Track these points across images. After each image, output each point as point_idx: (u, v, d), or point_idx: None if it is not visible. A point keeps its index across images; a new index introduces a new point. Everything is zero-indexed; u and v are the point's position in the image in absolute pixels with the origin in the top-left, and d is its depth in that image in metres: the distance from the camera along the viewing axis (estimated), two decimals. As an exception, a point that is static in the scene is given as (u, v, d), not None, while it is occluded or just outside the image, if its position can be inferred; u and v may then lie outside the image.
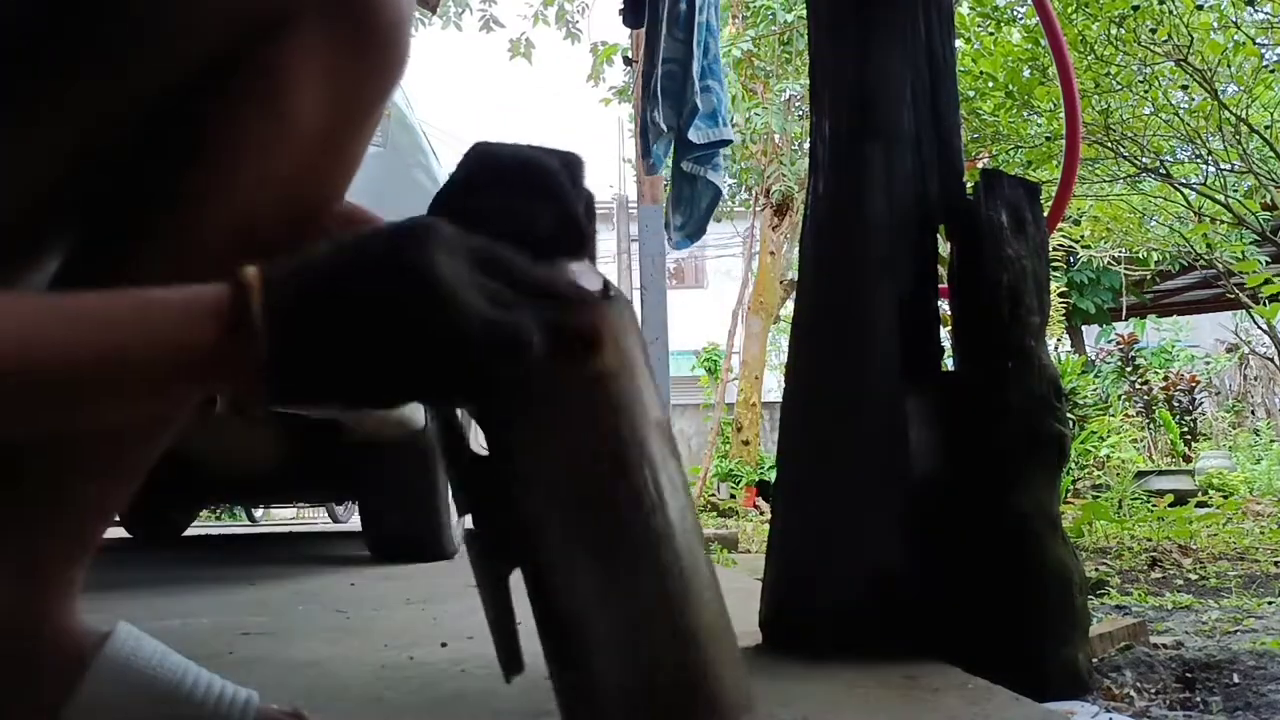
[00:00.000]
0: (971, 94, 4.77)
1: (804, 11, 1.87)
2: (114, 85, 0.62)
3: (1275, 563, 2.79)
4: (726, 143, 3.19)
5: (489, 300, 0.50)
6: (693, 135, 3.03)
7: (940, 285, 1.35)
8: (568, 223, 0.58)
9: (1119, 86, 4.54)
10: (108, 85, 0.61)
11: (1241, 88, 4.44)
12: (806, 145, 1.76)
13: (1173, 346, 10.27)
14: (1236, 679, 1.34)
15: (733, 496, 8.32)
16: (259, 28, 0.62)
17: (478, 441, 0.58)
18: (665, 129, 3.04)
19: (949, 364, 1.34)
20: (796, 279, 1.58)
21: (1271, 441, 7.95)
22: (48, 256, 0.67)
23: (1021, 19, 5.03)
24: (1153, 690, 1.29)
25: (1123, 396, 7.90)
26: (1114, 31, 4.34)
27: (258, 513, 8.94)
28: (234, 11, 0.62)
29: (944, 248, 1.38)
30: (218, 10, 0.61)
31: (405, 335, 0.49)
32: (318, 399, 0.51)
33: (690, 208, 3.22)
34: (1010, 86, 4.77)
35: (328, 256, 0.51)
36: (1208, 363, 10.20)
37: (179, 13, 0.61)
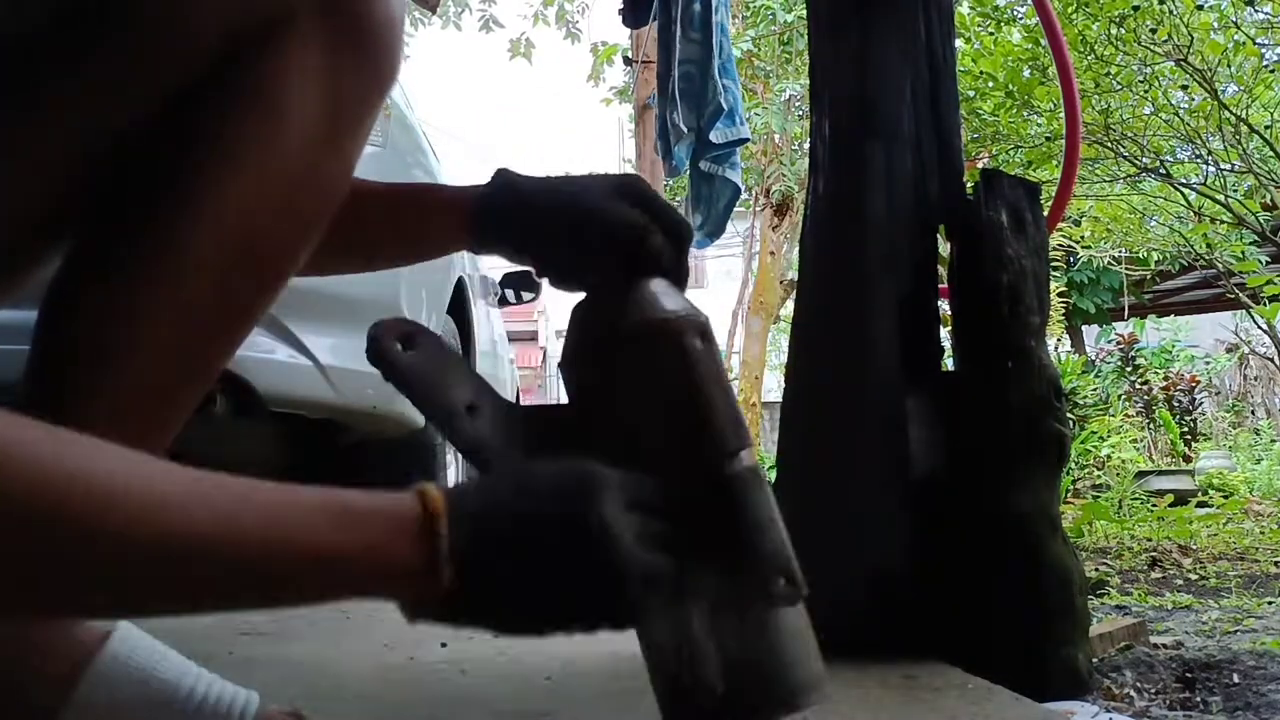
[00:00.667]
0: (971, 94, 4.77)
1: (804, 11, 1.87)
2: (111, 87, 0.62)
3: (1275, 563, 2.79)
4: (744, 141, 3.19)
5: (640, 540, 0.55)
6: (714, 136, 3.03)
7: (940, 285, 1.35)
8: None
9: (1119, 86, 4.54)
10: (105, 86, 0.61)
11: (1241, 88, 4.44)
12: (806, 145, 1.76)
13: (1173, 346, 10.27)
14: (1236, 679, 1.34)
15: (733, 496, 8.30)
16: (254, 29, 0.62)
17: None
18: (685, 130, 3.04)
19: (949, 364, 1.34)
20: (796, 279, 1.58)
21: (1272, 441, 7.95)
22: (45, 259, 0.67)
23: (1021, 19, 5.03)
24: (1153, 690, 1.29)
25: (1123, 396, 7.90)
26: (1114, 31, 4.34)
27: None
28: (229, 13, 0.62)
29: (944, 247, 1.38)
30: (213, 12, 0.61)
31: (574, 580, 0.55)
32: (485, 626, 0.56)
33: (709, 206, 3.21)
34: (1010, 86, 4.77)
35: (508, 499, 0.56)
36: (1208, 363, 10.20)
37: (176, 15, 0.61)
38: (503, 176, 0.76)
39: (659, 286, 0.67)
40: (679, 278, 0.70)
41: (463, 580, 0.52)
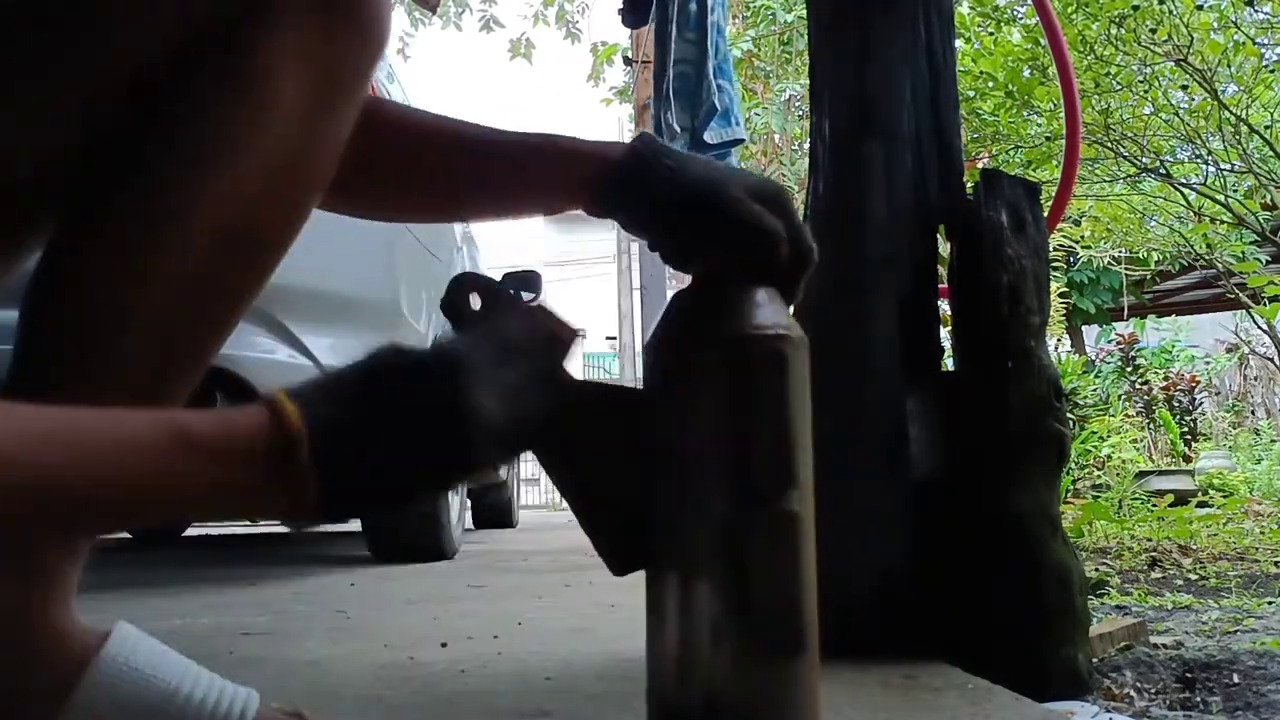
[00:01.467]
0: (971, 94, 4.77)
1: (804, 11, 1.87)
2: (91, 67, 0.61)
3: (1275, 563, 2.79)
4: (739, 142, 3.18)
5: (500, 399, 0.56)
6: (708, 136, 3.02)
7: (940, 285, 1.35)
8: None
9: (1119, 86, 4.54)
10: (84, 67, 0.61)
11: (1241, 88, 4.44)
12: (806, 145, 1.76)
13: (1173, 346, 10.27)
14: (1236, 679, 1.34)
15: (733, 496, 8.30)
16: (237, 9, 0.62)
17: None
18: (679, 130, 3.04)
19: (949, 364, 1.34)
20: (796, 279, 1.58)
21: (1272, 441, 7.95)
22: (27, 245, 0.66)
23: (1021, 19, 5.03)
24: (1153, 690, 1.29)
25: (1123, 396, 7.90)
26: (1114, 31, 4.34)
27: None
28: None
29: (944, 248, 1.38)
30: None
31: (423, 433, 0.55)
32: (353, 516, 0.56)
33: (705, 207, 3.21)
34: (1010, 86, 4.77)
35: (355, 387, 0.55)
36: (1208, 363, 10.20)
37: None
38: (644, 143, 0.72)
39: (769, 297, 0.65)
40: (790, 295, 0.68)
41: (325, 489, 0.52)
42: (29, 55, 0.60)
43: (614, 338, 14.43)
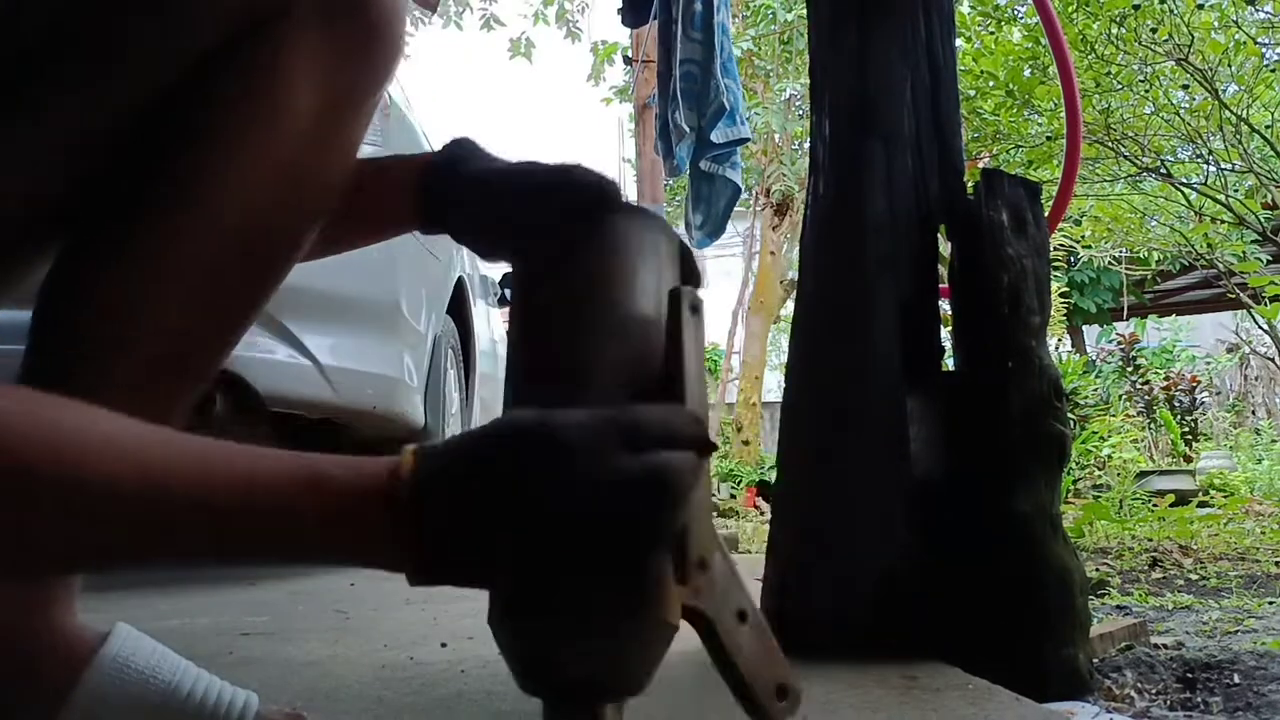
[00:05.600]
0: (972, 93, 4.77)
1: (804, 11, 1.87)
2: (113, 81, 0.61)
3: (1276, 563, 2.78)
4: (744, 141, 3.18)
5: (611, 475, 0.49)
6: (715, 135, 3.02)
7: (941, 285, 1.35)
8: None
9: (1120, 86, 4.54)
10: (107, 82, 0.61)
11: (1242, 87, 4.44)
12: (807, 145, 1.76)
13: (1173, 346, 10.27)
14: (1237, 679, 1.34)
15: (733, 496, 8.31)
16: (254, 22, 0.62)
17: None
18: (687, 130, 3.03)
19: (949, 364, 1.34)
20: (797, 279, 1.58)
21: (1273, 441, 7.94)
22: (41, 256, 0.67)
23: (1022, 18, 5.02)
24: (1153, 691, 1.29)
25: (1123, 396, 7.90)
26: (1115, 30, 4.34)
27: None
28: (231, 5, 0.61)
29: (944, 247, 1.38)
30: (216, 4, 0.61)
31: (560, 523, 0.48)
32: (479, 586, 0.52)
33: (709, 206, 3.21)
34: (1011, 86, 4.77)
35: (479, 451, 0.50)
36: (1208, 363, 10.19)
37: (178, 8, 0.61)
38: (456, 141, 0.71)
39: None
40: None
41: (439, 543, 0.48)
42: (61, 82, 0.61)
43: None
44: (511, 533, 0.48)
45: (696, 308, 0.60)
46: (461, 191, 0.69)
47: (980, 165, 4.37)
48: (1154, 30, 4.22)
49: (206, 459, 0.48)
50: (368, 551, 0.49)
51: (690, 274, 0.63)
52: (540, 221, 0.63)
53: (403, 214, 0.72)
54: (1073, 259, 8.83)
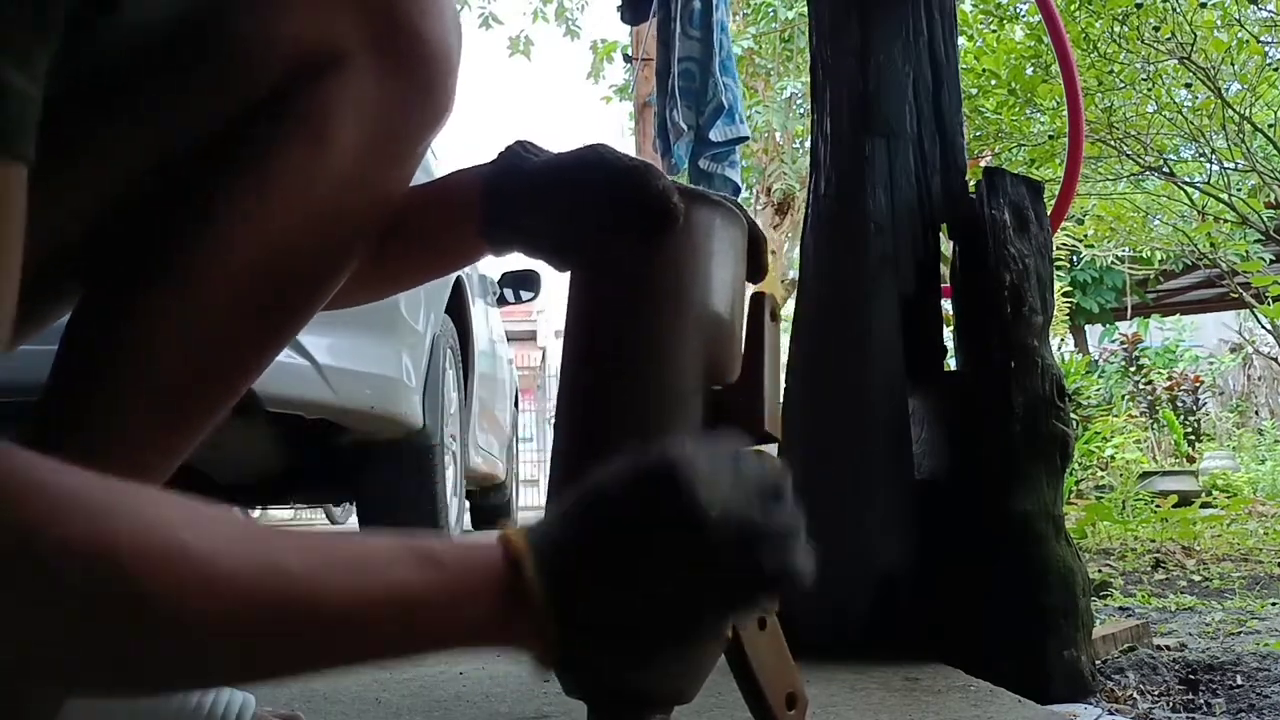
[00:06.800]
0: (974, 92, 4.76)
1: (805, 9, 1.87)
2: (168, 124, 0.62)
3: (1279, 564, 2.78)
4: (743, 139, 3.18)
5: (745, 527, 0.51)
6: (713, 134, 3.01)
7: (943, 284, 1.35)
8: None
9: (1122, 84, 4.53)
10: (162, 124, 0.62)
11: (1245, 86, 4.43)
12: (808, 144, 1.76)
13: (1176, 346, 10.25)
14: (1240, 681, 1.33)
15: (735, 496, 8.31)
16: (309, 67, 0.62)
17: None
18: (685, 128, 3.03)
19: (951, 363, 1.33)
20: (798, 278, 1.57)
21: (1276, 442, 7.93)
22: (69, 294, 0.67)
23: (1024, 16, 5.02)
24: (1156, 692, 1.28)
25: (1126, 396, 7.88)
26: (1117, 29, 4.33)
27: (254, 514, 8.94)
28: (287, 51, 0.61)
29: (946, 246, 1.37)
30: (272, 50, 0.61)
31: (682, 585, 0.49)
32: (603, 669, 0.50)
33: (708, 205, 3.20)
34: (1013, 84, 4.76)
35: (589, 528, 0.49)
36: (1211, 363, 10.18)
37: (237, 53, 0.61)
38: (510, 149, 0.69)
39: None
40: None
41: (562, 625, 0.47)
42: (118, 124, 0.61)
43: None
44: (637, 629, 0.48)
45: (775, 314, 0.65)
46: (523, 214, 0.68)
47: (982, 164, 4.37)
48: (1156, 29, 4.21)
49: (361, 584, 0.45)
50: (500, 644, 0.49)
51: (759, 266, 0.67)
52: (613, 229, 0.64)
53: (468, 247, 0.72)
54: (1075, 258, 8.82)
